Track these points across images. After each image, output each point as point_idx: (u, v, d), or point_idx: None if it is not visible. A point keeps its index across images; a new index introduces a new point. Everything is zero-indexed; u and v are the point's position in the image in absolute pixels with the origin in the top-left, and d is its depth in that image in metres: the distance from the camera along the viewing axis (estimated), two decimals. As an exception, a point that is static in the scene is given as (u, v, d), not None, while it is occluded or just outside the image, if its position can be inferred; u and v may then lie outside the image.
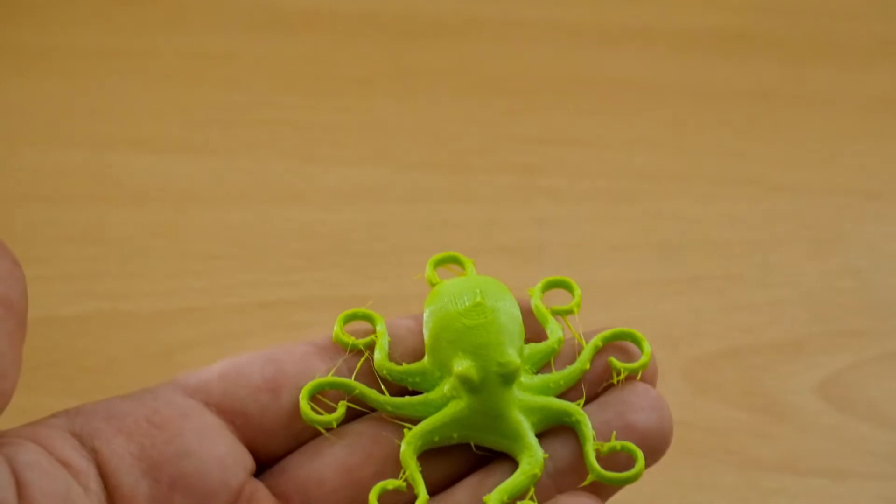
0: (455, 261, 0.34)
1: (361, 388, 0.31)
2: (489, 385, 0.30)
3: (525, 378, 0.30)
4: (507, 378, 0.30)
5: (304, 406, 0.30)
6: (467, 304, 0.31)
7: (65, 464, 0.28)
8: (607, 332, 0.31)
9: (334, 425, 0.30)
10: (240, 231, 0.57)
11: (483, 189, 0.59)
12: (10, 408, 0.50)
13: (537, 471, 0.29)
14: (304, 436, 0.31)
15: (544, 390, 0.30)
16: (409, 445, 0.29)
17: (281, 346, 0.31)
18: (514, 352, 0.30)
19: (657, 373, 0.31)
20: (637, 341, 0.31)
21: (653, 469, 0.32)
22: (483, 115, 0.64)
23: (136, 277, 0.55)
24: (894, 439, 0.46)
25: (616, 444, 0.29)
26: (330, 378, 0.31)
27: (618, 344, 0.32)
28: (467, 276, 0.33)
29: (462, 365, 0.29)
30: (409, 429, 0.30)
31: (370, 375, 0.31)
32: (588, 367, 0.31)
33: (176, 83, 0.69)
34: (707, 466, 0.45)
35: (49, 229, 0.58)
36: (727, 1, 0.73)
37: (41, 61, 0.71)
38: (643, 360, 0.31)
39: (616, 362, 0.31)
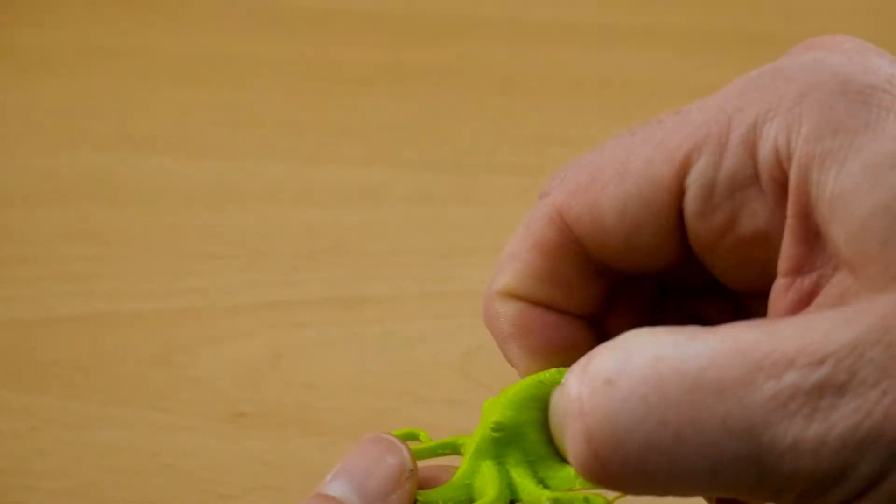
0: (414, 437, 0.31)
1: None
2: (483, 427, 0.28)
3: (525, 458, 0.28)
4: (485, 429, 0.28)
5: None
6: (556, 375, 0.28)
7: None
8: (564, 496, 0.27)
9: None
10: (240, 231, 0.57)
11: (483, 189, 0.59)
12: (11, 408, 0.50)
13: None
14: None
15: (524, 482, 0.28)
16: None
17: None
18: (506, 416, 0.28)
19: None
20: None
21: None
22: (483, 115, 0.64)
23: (136, 277, 0.55)
24: (894, 439, 0.46)
25: None
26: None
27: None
28: None
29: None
30: None
31: None
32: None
33: (176, 83, 0.69)
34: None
35: (49, 229, 0.58)
36: (727, 1, 0.73)
37: (41, 62, 0.71)
38: None
39: None
